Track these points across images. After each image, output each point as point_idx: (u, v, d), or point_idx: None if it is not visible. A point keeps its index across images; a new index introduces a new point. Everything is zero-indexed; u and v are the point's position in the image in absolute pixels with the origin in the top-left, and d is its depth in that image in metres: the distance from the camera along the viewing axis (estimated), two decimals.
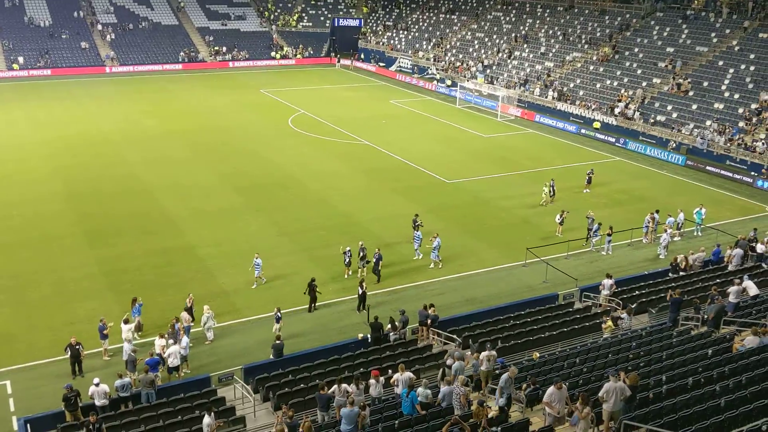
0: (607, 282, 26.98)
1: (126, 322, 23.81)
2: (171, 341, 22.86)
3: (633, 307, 25.59)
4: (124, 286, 29.08)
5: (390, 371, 20.48)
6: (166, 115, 59.73)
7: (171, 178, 42.78)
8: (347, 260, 30.22)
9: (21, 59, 78.24)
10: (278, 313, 25.30)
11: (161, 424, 18.75)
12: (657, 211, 35.73)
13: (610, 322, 24.23)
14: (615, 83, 62.49)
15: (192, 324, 24.84)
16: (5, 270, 30.25)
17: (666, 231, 33.82)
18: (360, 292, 27.45)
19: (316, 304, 27.87)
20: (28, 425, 18.96)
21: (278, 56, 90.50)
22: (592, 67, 66.28)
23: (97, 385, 19.78)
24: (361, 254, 30.41)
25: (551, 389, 16.36)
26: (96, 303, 27.62)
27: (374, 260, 30.16)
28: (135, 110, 61.62)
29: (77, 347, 22.67)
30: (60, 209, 37.38)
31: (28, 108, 61.44)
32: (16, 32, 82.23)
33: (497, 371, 20.21)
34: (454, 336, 23.64)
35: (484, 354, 19.94)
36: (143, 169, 44.58)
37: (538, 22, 79.03)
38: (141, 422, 18.91)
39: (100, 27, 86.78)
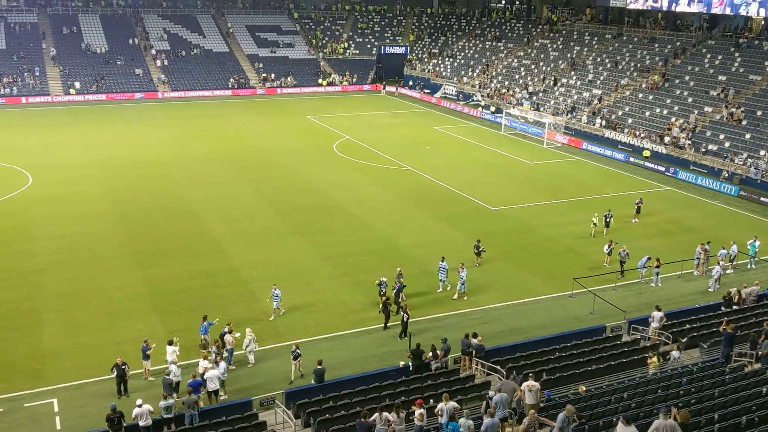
0: (657, 315, 26.25)
1: (170, 343, 24.04)
2: (210, 365, 22.98)
3: (683, 341, 24.79)
4: (169, 308, 29.46)
5: (432, 401, 20.18)
6: (215, 140, 60.86)
7: (217, 202, 43.43)
8: (382, 291, 29.55)
9: (78, 84, 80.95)
10: (297, 350, 24.27)
11: None
12: (708, 242, 34.75)
13: (655, 358, 23.42)
14: (665, 111, 61.45)
15: (233, 346, 24.98)
16: (55, 289, 30.97)
17: (718, 263, 32.85)
18: (404, 319, 27.24)
19: (389, 323, 28.24)
20: None
21: (325, 83, 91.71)
22: (641, 95, 65.37)
23: (140, 406, 19.96)
24: (398, 281, 30.25)
25: (620, 426, 15.82)
26: (141, 323, 28.01)
27: (395, 290, 29.50)
28: (185, 135, 62.98)
29: (123, 367, 22.96)
30: (109, 230, 38.22)
31: (83, 131, 63.32)
32: (74, 58, 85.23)
33: (542, 404, 19.75)
34: (498, 367, 23.21)
35: (525, 384, 19.52)
36: (191, 192, 45.40)
37: (586, 49, 78.51)
38: None
39: (153, 53, 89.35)
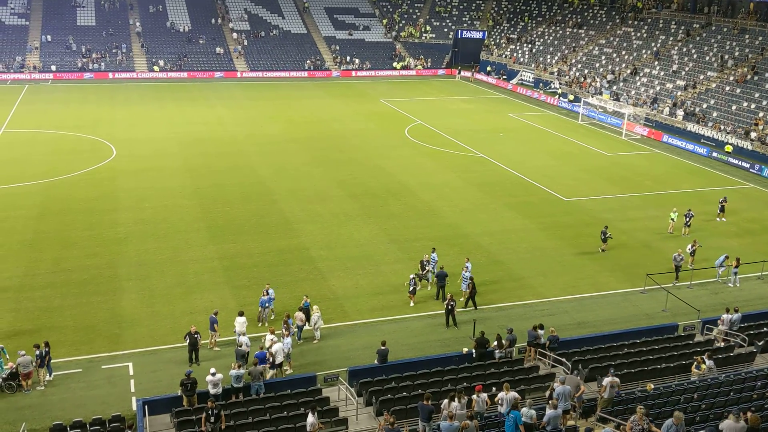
0: (726, 317, 25.30)
1: (241, 314, 24.77)
2: (276, 339, 23.56)
3: (711, 350, 23.82)
4: (240, 282, 30.31)
5: (494, 389, 20.16)
6: (290, 121, 61.84)
7: (290, 181, 44.22)
8: (412, 288, 28.96)
9: (161, 62, 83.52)
10: (273, 358, 23.09)
11: (268, 418, 19.38)
12: None
13: (704, 365, 22.31)
14: (753, 106, 58.74)
15: (303, 323, 25.58)
16: (134, 258, 32.28)
17: None
18: (447, 308, 27.07)
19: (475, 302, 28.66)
20: (146, 406, 20.07)
21: (399, 66, 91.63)
22: (728, 88, 62.65)
23: (213, 374, 20.76)
24: (426, 267, 30.06)
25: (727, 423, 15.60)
26: (214, 296, 28.94)
27: (436, 278, 29.22)
28: (261, 114, 64.26)
29: (195, 336, 23.84)
30: (186, 204, 39.50)
31: (165, 107, 65.50)
32: (159, 36, 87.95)
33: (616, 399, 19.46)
34: (563, 359, 22.92)
35: (607, 380, 19.28)
36: (265, 170, 46.36)
37: (671, 39, 75.69)
38: (249, 414, 19.65)
39: (234, 32, 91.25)
